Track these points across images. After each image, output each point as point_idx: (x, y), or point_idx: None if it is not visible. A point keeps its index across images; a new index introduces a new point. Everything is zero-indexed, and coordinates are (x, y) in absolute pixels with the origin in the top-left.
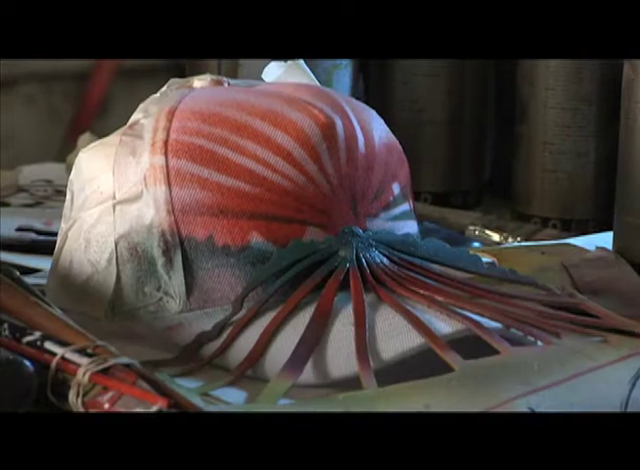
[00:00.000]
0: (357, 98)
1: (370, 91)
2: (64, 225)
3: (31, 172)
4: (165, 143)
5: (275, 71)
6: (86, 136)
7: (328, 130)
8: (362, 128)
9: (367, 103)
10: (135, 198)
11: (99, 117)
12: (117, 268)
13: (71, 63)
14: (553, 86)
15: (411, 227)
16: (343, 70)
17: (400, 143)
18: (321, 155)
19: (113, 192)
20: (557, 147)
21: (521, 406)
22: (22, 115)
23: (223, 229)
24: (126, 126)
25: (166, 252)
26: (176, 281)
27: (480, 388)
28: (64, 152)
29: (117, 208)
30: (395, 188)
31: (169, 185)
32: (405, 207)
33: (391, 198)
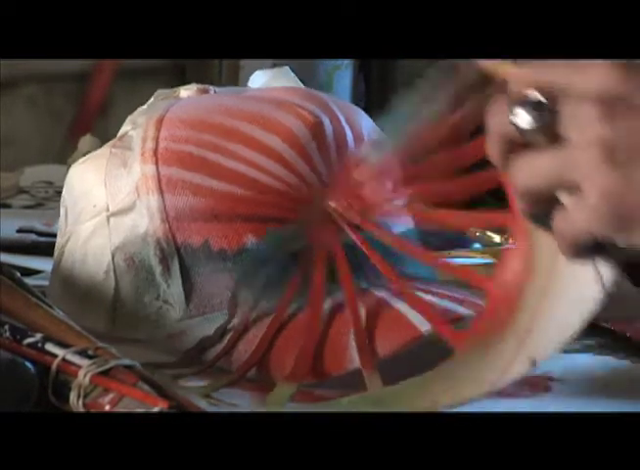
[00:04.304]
0: (358, 99)
1: (371, 92)
2: (60, 240)
3: (32, 174)
4: (155, 152)
5: (261, 78)
6: (87, 138)
7: (316, 130)
8: (350, 126)
9: (368, 104)
10: (128, 208)
11: (100, 118)
12: (115, 280)
13: (72, 64)
14: None
15: (406, 222)
16: (344, 71)
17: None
18: (311, 154)
19: (106, 204)
20: None
21: (523, 363)
22: (22, 116)
23: (218, 234)
24: (115, 139)
25: (163, 260)
26: (175, 289)
27: (481, 363)
28: (64, 153)
29: (112, 220)
30: (387, 184)
31: (162, 193)
32: (399, 202)
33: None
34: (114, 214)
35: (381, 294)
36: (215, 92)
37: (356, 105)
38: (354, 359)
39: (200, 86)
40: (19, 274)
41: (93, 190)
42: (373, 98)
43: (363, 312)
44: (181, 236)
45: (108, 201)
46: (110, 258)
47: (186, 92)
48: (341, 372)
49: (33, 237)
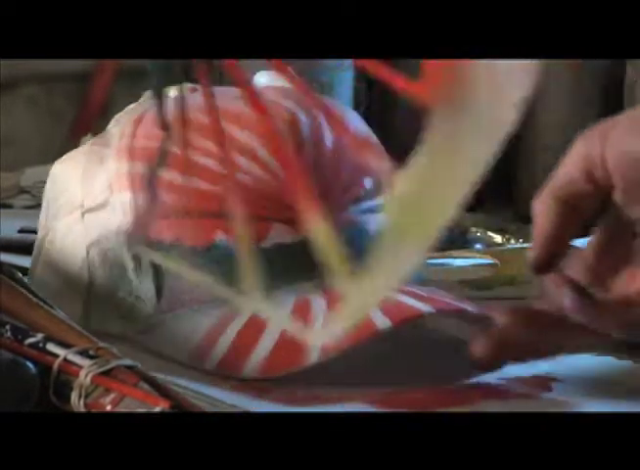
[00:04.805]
0: (359, 100)
1: (372, 93)
2: (39, 234)
3: (33, 174)
4: (129, 149)
5: (262, 79)
6: (88, 138)
7: (292, 127)
8: (330, 124)
9: (369, 105)
10: (102, 205)
11: (101, 119)
12: (90, 275)
13: (73, 64)
14: (554, 87)
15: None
16: (346, 72)
17: (403, 145)
18: (285, 151)
19: (81, 201)
20: (559, 149)
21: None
22: (23, 116)
23: (189, 230)
24: (97, 136)
25: (135, 256)
26: (146, 285)
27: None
28: (65, 153)
29: (86, 216)
30: (367, 182)
31: (134, 190)
32: (380, 200)
33: (362, 191)
34: (88, 211)
35: None
36: None
37: (358, 105)
38: (312, 355)
39: (190, 86)
40: (20, 274)
41: (71, 186)
42: (375, 98)
43: (324, 304)
44: (152, 233)
45: (83, 197)
46: (85, 253)
47: (175, 92)
48: (298, 368)
49: (34, 237)
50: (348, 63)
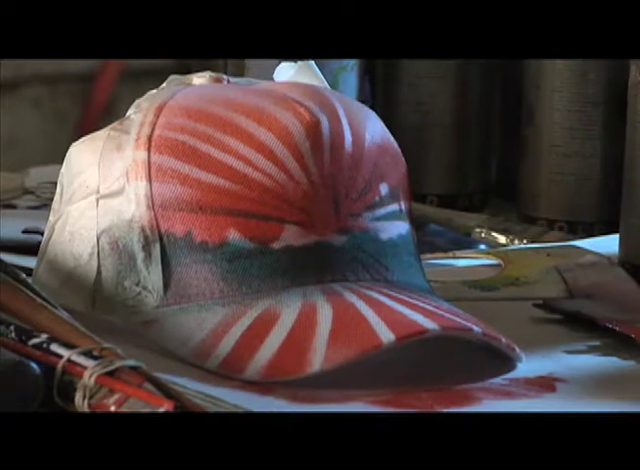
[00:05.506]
0: (363, 100)
1: (376, 93)
2: (52, 218)
3: (38, 174)
4: (149, 138)
5: (287, 72)
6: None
7: (312, 129)
8: (351, 128)
9: (373, 105)
10: (117, 192)
11: (105, 119)
12: (99, 262)
13: (77, 64)
14: (559, 88)
15: (399, 228)
16: (349, 73)
17: (406, 145)
18: (304, 153)
19: (97, 186)
20: (563, 149)
21: None
22: (27, 117)
23: (201, 225)
24: (117, 121)
25: (146, 246)
26: (154, 276)
27: None
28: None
29: (101, 202)
30: (383, 188)
31: (150, 180)
32: (394, 207)
33: (377, 198)
34: (103, 197)
35: (351, 299)
36: (229, 82)
37: None
38: (315, 363)
39: (213, 74)
40: (24, 275)
41: (87, 171)
42: (379, 99)
43: (330, 314)
44: (165, 224)
45: (99, 183)
46: (95, 240)
47: (199, 80)
48: (299, 375)
49: (39, 238)
50: (352, 62)
